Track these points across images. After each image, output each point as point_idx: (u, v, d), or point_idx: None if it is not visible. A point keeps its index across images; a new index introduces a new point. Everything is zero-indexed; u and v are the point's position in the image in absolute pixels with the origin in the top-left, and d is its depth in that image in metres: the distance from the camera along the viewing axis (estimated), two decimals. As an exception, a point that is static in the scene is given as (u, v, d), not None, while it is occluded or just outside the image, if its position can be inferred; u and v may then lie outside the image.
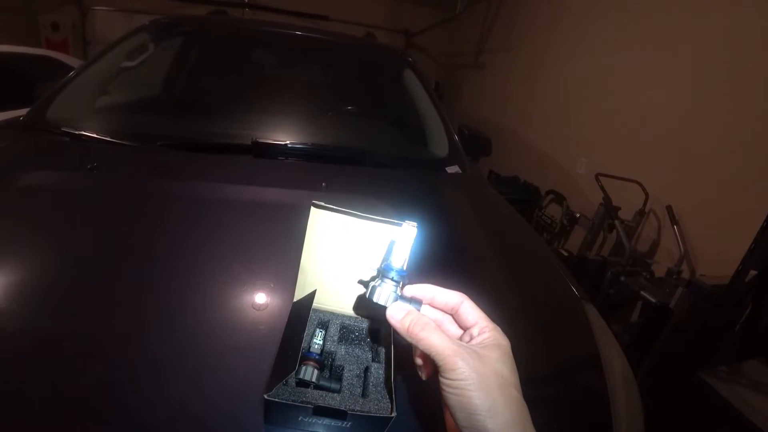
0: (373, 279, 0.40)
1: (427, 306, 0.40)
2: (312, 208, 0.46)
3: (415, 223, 0.43)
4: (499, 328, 0.37)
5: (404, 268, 0.39)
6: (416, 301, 0.39)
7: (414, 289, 0.40)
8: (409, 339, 0.35)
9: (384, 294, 0.37)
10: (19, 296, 0.56)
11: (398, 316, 0.36)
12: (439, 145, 1.44)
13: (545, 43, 3.78)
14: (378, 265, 0.41)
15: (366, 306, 0.44)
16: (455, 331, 0.39)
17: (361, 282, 0.46)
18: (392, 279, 0.38)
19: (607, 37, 3.05)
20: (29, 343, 0.50)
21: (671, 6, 2.50)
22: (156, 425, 0.43)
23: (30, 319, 0.53)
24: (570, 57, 3.43)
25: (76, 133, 1.08)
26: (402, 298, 0.38)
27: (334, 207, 0.46)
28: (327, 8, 5.60)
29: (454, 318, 0.39)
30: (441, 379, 0.33)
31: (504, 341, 0.36)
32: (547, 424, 0.55)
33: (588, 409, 0.64)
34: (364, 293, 0.40)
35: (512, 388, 0.33)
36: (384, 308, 0.37)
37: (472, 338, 0.37)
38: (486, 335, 0.36)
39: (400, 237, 0.39)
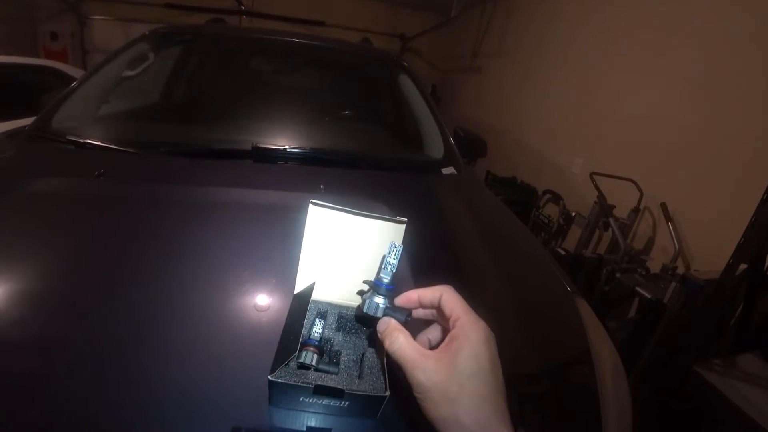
0: (365, 293, 0.45)
1: (420, 309, 0.43)
2: (310, 206, 0.50)
3: (405, 219, 0.47)
4: (472, 316, 0.37)
5: (392, 282, 0.43)
6: (405, 311, 0.42)
7: (401, 299, 0.43)
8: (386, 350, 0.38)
9: (373, 307, 0.42)
10: (27, 300, 0.58)
11: (380, 329, 0.40)
12: (435, 148, 1.47)
13: (540, 46, 3.83)
14: (371, 279, 0.45)
15: (362, 316, 0.49)
16: (437, 334, 0.42)
17: (359, 293, 0.51)
18: (381, 294, 0.43)
19: (600, 39, 3.09)
20: (34, 345, 0.52)
21: (664, 11, 2.55)
22: (158, 417, 0.45)
23: (39, 322, 0.55)
24: (564, 60, 3.48)
25: (82, 141, 1.11)
26: (390, 309, 0.42)
27: (331, 205, 0.50)
28: (323, 14, 5.66)
29: (438, 313, 0.41)
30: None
31: (474, 332, 0.36)
32: (538, 417, 0.58)
33: (578, 403, 0.65)
34: (360, 306, 0.45)
35: (481, 386, 0.33)
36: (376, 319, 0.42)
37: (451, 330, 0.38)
38: (455, 329, 0.37)
39: (389, 253, 0.44)
